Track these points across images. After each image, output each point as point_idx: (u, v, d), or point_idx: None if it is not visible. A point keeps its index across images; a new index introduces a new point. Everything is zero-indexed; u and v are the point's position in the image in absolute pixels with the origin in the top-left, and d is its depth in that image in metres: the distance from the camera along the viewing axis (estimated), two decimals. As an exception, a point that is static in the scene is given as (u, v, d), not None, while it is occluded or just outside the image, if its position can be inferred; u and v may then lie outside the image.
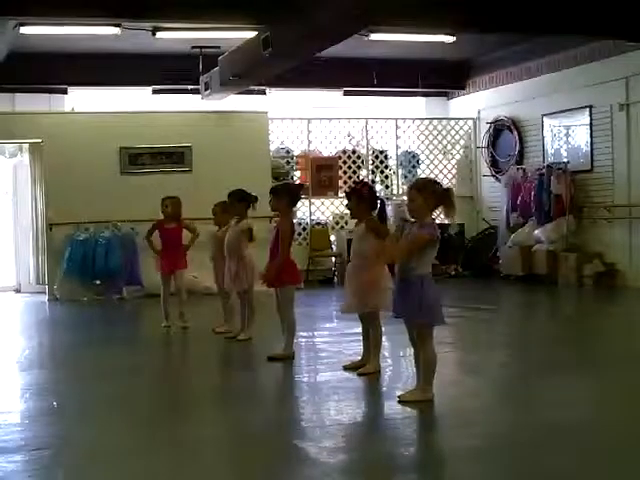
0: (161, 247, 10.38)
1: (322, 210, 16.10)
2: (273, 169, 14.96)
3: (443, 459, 4.98)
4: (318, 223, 15.96)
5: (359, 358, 7.33)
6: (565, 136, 14.43)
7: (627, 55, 12.86)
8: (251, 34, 11.54)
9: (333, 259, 15.73)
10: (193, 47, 13.94)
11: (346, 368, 7.26)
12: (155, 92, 15.34)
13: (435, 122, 16.88)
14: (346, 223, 15.62)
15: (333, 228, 15.99)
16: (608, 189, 13.53)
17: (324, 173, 15.95)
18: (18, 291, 14.98)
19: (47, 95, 14.92)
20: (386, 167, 16.55)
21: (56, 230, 13.82)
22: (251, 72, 12.46)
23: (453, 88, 17.04)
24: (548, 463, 4.59)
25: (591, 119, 13.76)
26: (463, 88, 16.84)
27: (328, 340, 9.30)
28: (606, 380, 6.87)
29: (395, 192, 16.23)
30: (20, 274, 15.04)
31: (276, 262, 7.82)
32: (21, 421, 5.94)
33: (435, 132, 16.84)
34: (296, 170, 16.07)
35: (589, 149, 13.85)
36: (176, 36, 12.78)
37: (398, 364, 7.69)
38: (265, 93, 15.70)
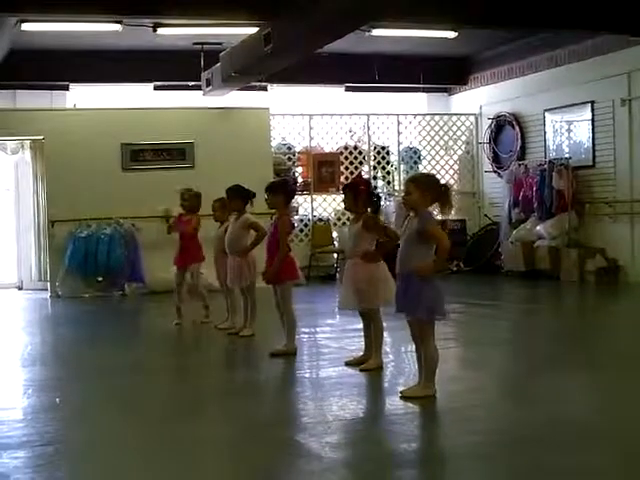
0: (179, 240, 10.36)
1: (324, 206, 16.11)
2: (275, 165, 14.96)
3: (445, 455, 4.98)
4: (320, 219, 15.96)
5: (361, 354, 7.33)
6: (567, 131, 14.42)
7: (629, 50, 12.85)
8: (252, 30, 11.53)
9: (335, 255, 15.72)
10: (194, 43, 13.95)
11: (348, 364, 7.26)
12: (157, 88, 15.34)
13: (437, 118, 16.87)
14: (348, 219, 15.60)
15: (335, 224, 15.99)
16: (610, 184, 13.52)
17: (326, 169, 15.96)
18: (20, 288, 14.99)
19: (48, 92, 14.94)
20: (388, 163, 16.54)
21: (58, 227, 13.83)
22: (252, 68, 12.46)
23: (455, 84, 17.03)
24: (550, 459, 4.58)
25: (593, 114, 13.75)
26: (465, 84, 16.83)
27: (330, 336, 9.31)
28: (608, 376, 6.86)
29: (397, 188, 16.21)
30: (22, 271, 15.04)
31: (277, 260, 7.82)
32: (24, 417, 5.94)
33: (437, 128, 16.83)
34: (298, 166, 16.06)
35: (591, 144, 13.84)
36: (177, 32, 12.79)
37: (400, 360, 7.69)
38: (267, 89, 15.70)
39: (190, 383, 7.32)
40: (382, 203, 8.46)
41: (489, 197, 16.51)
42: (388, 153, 16.55)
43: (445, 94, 17.34)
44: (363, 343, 7.36)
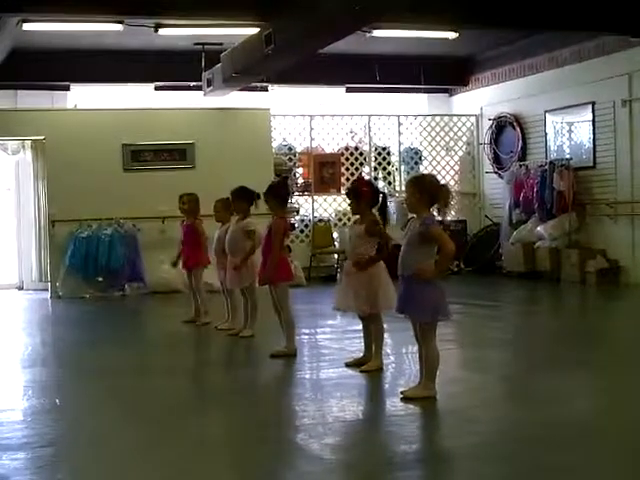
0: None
1: (325, 207, 16.10)
2: (276, 166, 14.95)
3: (446, 456, 4.98)
4: (321, 220, 15.95)
5: (361, 355, 7.33)
6: (568, 132, 14.41)
7: (630, 51, 12.84)
8: (253, 31, 11.53)
9: (336, 256, 15.72)
10: (195, 44, 13.95)
11: (348, 365, 7.26)
12: (157, 89, 15.34)
13: (437, 119, 16.86)
14: (349, 220, 15.61)
15: (336, 225, 15.98)
16: (611, 185, 13.51)
17: (327, 170, 15.95)
18: (21, 288, 14.99)
19: (49, 92, 14.93)
20: (389, 164, 16.54)
21: (59, 227, 13.82)
22: (253, 69, 12.46)
23: (455, 84, 17.03)
24: (550, 459, 4.59)
25: (594, 115, 13.74)
26: (465, 84, 16.82)
27: (330, 337, 9.31)
28: (608, 377, 6.87)
29: (398, 189, 16.21)
30: (23, 271, 15.04)
31: (270, 262, 7.86)
32: (24, 418, 5.94)
33: (437, 129, 16.83)
34: (298, 167, 16.05)
35: (592, 145, 13.83)
36: (178, 33, 12.79)
37: (401, 361, 7.69)
38: (267, 90, 15.69)
39: (190, 384, 7.32)
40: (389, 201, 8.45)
41: (490, 198, 16.50)
42: (389, 154, 16.55)
43: (446, 95, 17.34)
44: (363, 344, 7.36)
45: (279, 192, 8.29)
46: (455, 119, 16.94)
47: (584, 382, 6.69)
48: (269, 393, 6.85)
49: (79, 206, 13.63)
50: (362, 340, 7.38)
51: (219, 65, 13.23)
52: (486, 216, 16.35)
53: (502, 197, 15.57)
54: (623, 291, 12.94)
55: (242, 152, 14.38)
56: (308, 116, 16.01)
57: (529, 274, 14.25)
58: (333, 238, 15.84)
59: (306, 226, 15.79)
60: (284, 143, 15.83)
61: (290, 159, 15.74)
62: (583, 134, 14.02)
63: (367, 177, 15.34)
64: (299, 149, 15.97)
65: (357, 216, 7.36)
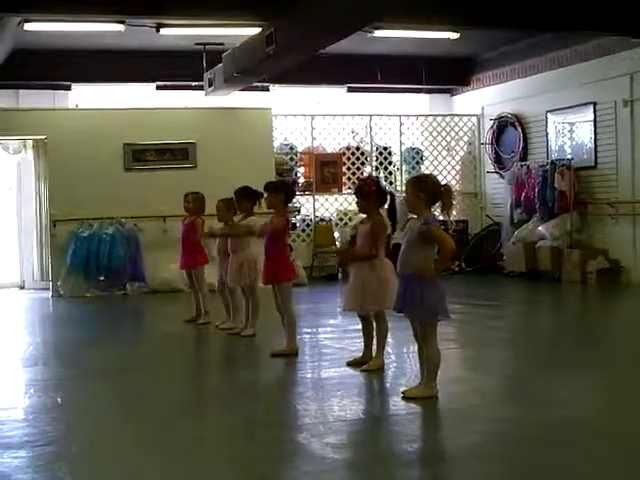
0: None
1: (326, 206, 16.11)
2: (277, 165, 14.95)
3: (446, 455, 4.98)
4: (322, 219, 15.96)
5: (361, 354, 7.33)
6: (569, 132, 14.42)
7: (631, 51, 12.84)
8: (255, 31, 11.54)
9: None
10: (197, 44, 13.95)
11: (349, 364, 7.26)
12: (159, 88, 15.35)
13: (439, 119, 16.86)
14: (350, 219, 15.63)
15: (337, 225, 15.99)
16: (612, 185, 13.52)
17: (328, 169, 15.96)
18: (22, 287, 15.00)
19: (51, 91, 14.95)
20: (390, 163, 16.54)
21: (60, 226, 13.83)
22: (255, 69, 12.47)
23: (457, 84, 17.03)
24: (550, 459, 4.59)
25: (595, 115, 13.74)
26: (467, 84, 16.83)
27: (332, 336, 9.30)
28: (609, 377, 6.86)
29: (399, 189, 16.20)
30: (24, 270, 15.05)
31: (274, 260, 7.87)
32: (25, 417, 5.94)
33: (439, 129, 16.83)
34: (300, 166, 16.06)
35: (593, 145, 13.83)
36: (180, 32, 12.80)
37: (402, 360, 7.69)
38: (269, 90, 15.71)
39: (191, 383, 7.32)
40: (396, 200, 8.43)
41: (491, 198, 16.51)
42: (390, 154, 16.55)
43: (447, 95, 17.34)
44: (363, 344, 7.35)
45: (287, 188, 8.28)
46: (456, 119, 16.95)
47: (584, 382, 6.69)
48: (270, 392, 6.85)
49: (80, 205, 13.64)
50: (362, 340, 7.38)
51: (220, 65, 13.24)
52: (487, 216, 16.36)
53: (503, 197, 15.58)
54: (624, 291, 12.93)
55: (243, 152, 14.38)
56: (309, 116, 16.01)
57: (530, 274, 14.26)
58: (334, 238, 15.85)
59: (307, 225, 15.79)
60: (285, 143, 15.84)
61: (291, 159, 15.75)
62: (584, 134, 14.02)
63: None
64: (300, 149, 15.97)
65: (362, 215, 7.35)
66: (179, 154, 14.48)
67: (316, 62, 13.55)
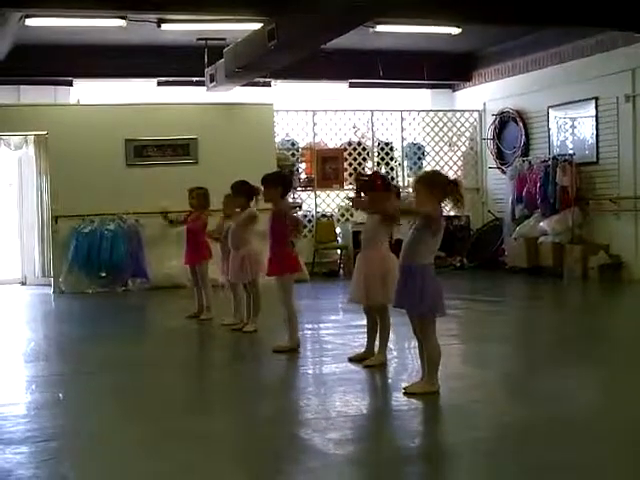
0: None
1: (327, 202, 16.10)
2: (278, 161, 14.94)
3: (448, 451, 4.98)
4: (324, 215, 15.95)
5: (364, 350, 7.33)
6: (571, 128, 14.40)
7: (633, 46, 12.81)
8: (256, 26, 11.52)
9: (339, 251, 15.72)
10: (198, 39, 13.93)
11: (351, 359, 7.27)
12: (160, 84, 15.34)
13: (440, 114, 16.85)
14: (351, 215, 15.63)
15: (338, 220, 15.99)
16: (614, 181, 13.50)
17: (329, 165, 15.95)
18: (24, 284, 15.00)
19: (52, 87, 14.92)
20: (391, 159, 16.53)
21: (61, 222, 13.83)
22: (256, 64, 12.45)
23: (459, 80, 17.01)
24: (551, 456, 4.59)
25: (597, 111, 13.72)
26: (469, 80, 16.81)
27: (333, 332, 9.30)
28: (611, 373, 6.87)
29: (400, 184, 16.19)
30: (25, 267, 15.04)
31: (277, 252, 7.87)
32: (27, 413, 5.95)
33: (440, 124, 16.82)
34: (301, 162, 16.05)
35: (595, 141, 13.81)
36: (181, 28, 12.79)
37: (404, 356, 7.69)
38: (270, 85, 15.69)
39: (193, 379, 7.33)
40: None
41: (493, 193, 16.49)
42: (392, 149, 16.54)
43: (449, 90, 17.32)
44: (365, 339, 7.35)
45: (283, 179, 8.25)
46: (458, 114, 16.93)
47: (586, 378, 6.69)
48: (272, 388, 6.85)
49: (82, 201, 13.64)
50: (365, 335, 7.38)
51: (222, 60, 13.22)
52: (489, 211, 16.34)
53: (505, 192, 15.56)
54: (625, 287, 12.93)
55: (245, 147, 14.37)
56: (311, 111, 16.00)
57: (532, 269, 14.25)
58: (336, 233, 15.85)
59: (309, 221, 15.78)
60: (287, 138, 15.82)
61: (293, 154, 15.74)
62: (586, 129, 14.00)
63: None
64: (302, 144, 15.96)
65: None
66: (181, 150, 14.48)
67: (318, 57, 13.57)
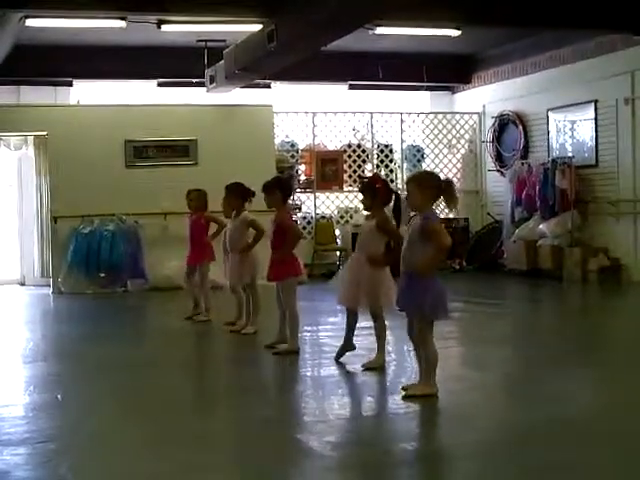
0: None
1: (327, 204, 16.10)
2: (278, 163, 14.95)
3: (446, 453, 4.98)
4: (323, 217, 15.95)
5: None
6: (570, 130, 14.41)
7: (633, 49, 12.83)
8: (256, 27, 11.53)
9: (338, 253, 15.72)
10: (198, 40, 13.94)
11: (340, 360, 7.26)
12: (160, 85, 15.34)
13: (440, 116, 16.86)
14: (351, 217, 15.64)
15: (338, 222, 15.99)
16: (613, 184, 13.51)
17: (329, 167, 15.96)
18: (22, 284, 15.00)
19: (52, 88, 14.94)
20: (391, 161, 16.54)
21: (61, 223, 13.83)
22: (256, 66, 12.45)
23: (458, 82, 17.02)
24: (550, 458, 4.59)
25: (596, 113, 13.73)
26: (468, 82, 16.82)
27: (332, 334, 9.28)
28: (610, 374, 6.87)
29: (400, 186, 16.19)
30: (24, 267, 15.05)
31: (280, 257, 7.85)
32: (25, 414, 5.94)
33: (440, 126, 16.82)
34: (301, 164, 16.05)
35: (594, 143, 13.82)
36: (181, 29, 12.79)
37: (402, 359, 7.68)
38: (270, 87, 15.70)
39: (192, 380, 7.33)
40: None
41: (492, 196, 16.50)
42: (391, 151, 16.56)
43: (448, 92, 17.34)
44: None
45: (280, 185, 8.24)
46: (457, 117, 16.94)
47: (585, 380, 6.69)
48: (271, 390, 6.86)
49: (81, 202, 13.64)
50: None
51: (222, 62, 13.23)
52: (488, 214, 16.35)
53: (504, 195, 15.56)
54: (625, 289, 12.94)
55: (244, 149, 14.37)
56: (311, 113, 16.01)
57: (531, 272, 14.25)
58: (335, 235, 15.85)
59: (308, 223, 15.78)
60: (286, 140, 15.83)
61: (292, 156, 15.75)
62: (585, 132, 14.01)
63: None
64: (301, 146, 15.97)
65: (365, 212, 7.35)
66: (180, 151, 14.49)
67: (317, 59, 13.55)
